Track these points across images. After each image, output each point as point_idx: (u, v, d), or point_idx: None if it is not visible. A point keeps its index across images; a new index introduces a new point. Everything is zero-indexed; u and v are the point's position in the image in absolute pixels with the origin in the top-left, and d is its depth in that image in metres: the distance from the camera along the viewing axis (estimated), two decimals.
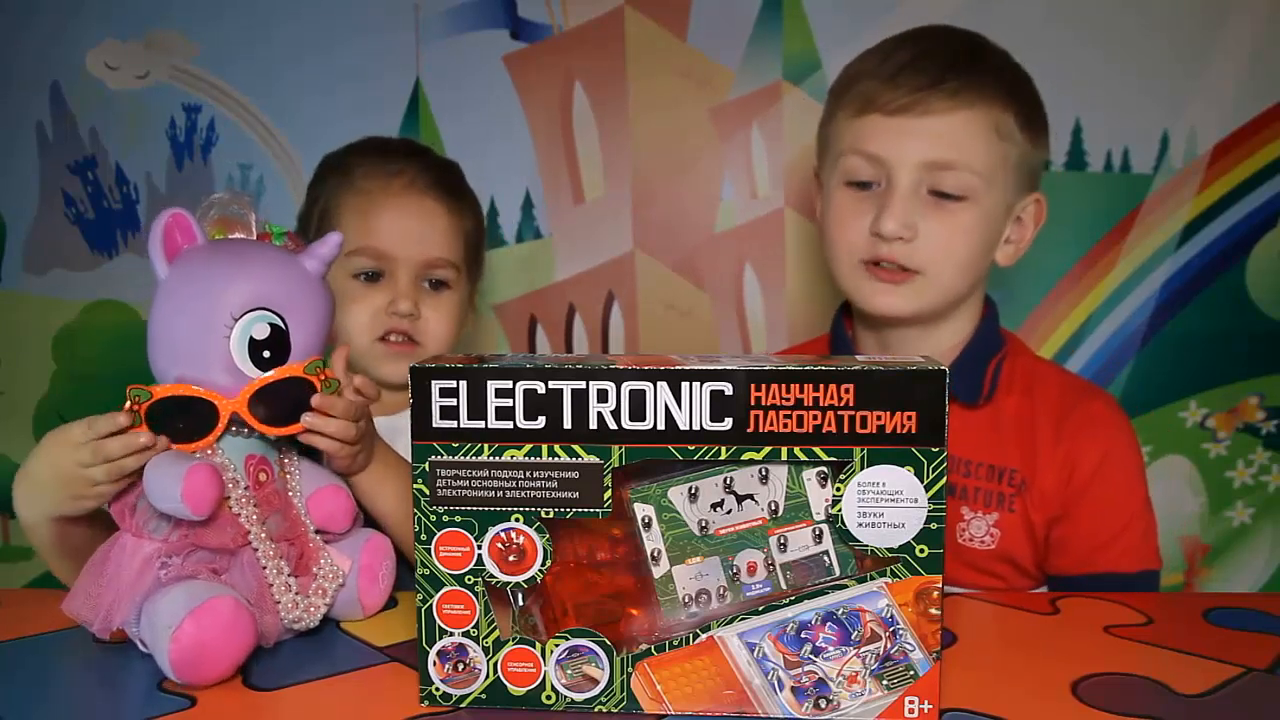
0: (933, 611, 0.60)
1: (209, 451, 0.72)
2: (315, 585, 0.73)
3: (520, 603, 0.64)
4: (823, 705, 0.60)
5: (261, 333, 0.72)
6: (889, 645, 0.60)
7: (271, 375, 0.72)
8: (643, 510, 0.63)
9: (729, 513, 0.63)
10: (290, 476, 0.76)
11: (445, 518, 0.61)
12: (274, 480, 0.75)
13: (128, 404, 0.69)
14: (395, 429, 0.89)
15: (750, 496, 0.63)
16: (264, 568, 0.71)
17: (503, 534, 0.61)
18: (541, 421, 0.60)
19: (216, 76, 1.55)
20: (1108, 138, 1.42)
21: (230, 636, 0.66)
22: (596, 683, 0.61)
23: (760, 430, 0.59)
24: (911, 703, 0.60)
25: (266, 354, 0.72)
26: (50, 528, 0.79)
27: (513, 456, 0.60)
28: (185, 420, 0.71)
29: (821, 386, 0.58)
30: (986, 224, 1.02)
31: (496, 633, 0.62)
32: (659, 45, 1.49)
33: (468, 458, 0.61)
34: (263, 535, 0.71)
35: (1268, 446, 1.47)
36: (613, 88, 1.49)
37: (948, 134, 0.99)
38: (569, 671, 0.62)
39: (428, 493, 0.61)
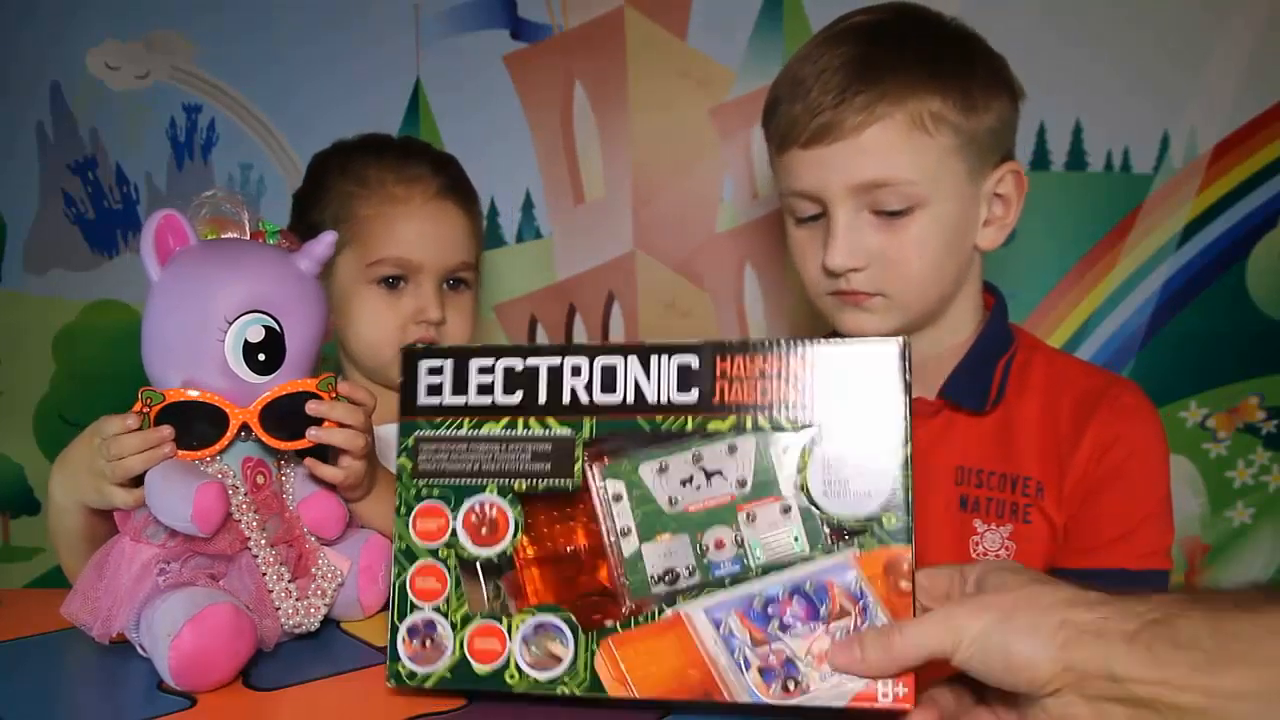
0: (903, 585, 0.57)
1: (209, 460, 0.71)
2: (314, 586, 0.73)
3: (486, 583, 0.64)
4: (791, 687, 0.57)
5: (256, 335, 0.71)
6: (859, 621, 0.57)
7: (284, 388, 0.71)
8: (613, 486, 0.62)
9: (698, 489, 0.62)
10: (286, 479, 0.76)
11: (424, 491, 0.63)
12: (271, 483, 0.75)
13: (139, 405, 0.69)
14: (385, 441, 0.89)
15: (719, 472, 0.62)
16: (264, 574, 0.71)
17: (477, 506, 0.62)
18: (519, 396, 0.63)
19: (216, 76, 1.55)
20: (1108, 138, 1.40)
21: (229, 643, 0.65)
22: (560, 661, 0.60)
23: (726, 401, 0.60)
24: (885, 686, 0.55)
25: (261, 357, 0.72)
26: (80, 514, 0.80)
27: (490, 430, 0.63)
28: (195, 427, 0.70)
29: (784, 357, 0.59)
30: (943, 225, 0.93)
31: (465, 608, 0.62)
32: (659, 45, 1.49)
33: (449, 431, 0.63)
34: (262, 542, 0.71)
35: (1268, 446, 1.46)
36: (613, 88, 1.48)
37: (870, 150, 0.90)
38: (533, 649, 0.61)
39: (410, 467, 0.63)
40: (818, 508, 0.59)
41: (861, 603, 0.57)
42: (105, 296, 1.57)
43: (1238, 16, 1.39)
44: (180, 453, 0.71)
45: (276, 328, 0.72)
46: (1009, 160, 0.98)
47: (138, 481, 0.71)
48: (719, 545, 0.61)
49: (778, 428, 0.60)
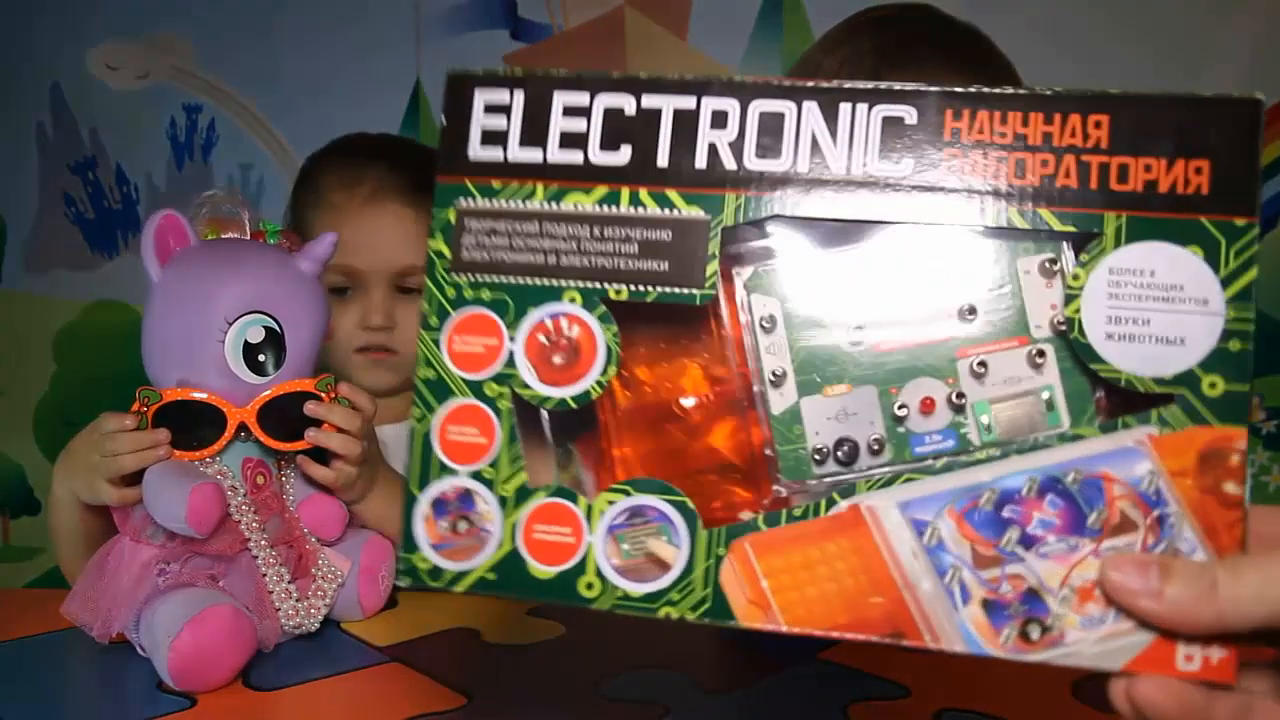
0: (1229, 489, 0.35)
1: (208, 460, 0.68)
2: (314, 587, 0.72)
3: (554, 440, 0.43)
4: (1034, 635, 0.36)
5: (256, 336, 0.67)
6: (1150, 539, 0.36)
7: (282, 388, 0.68)
8: (763, 305, 0.41)
9: (898, 317, 0.40)
10: (286, 479, 0.76)
11: (469, 293, 0.41)
12: (271, 483, 0.74)
13: (136, 405, 0.69)
14: (382, 443, 0.88)
15: (933, 291, 0.40)
16: (263, 575, 0.71)
17: (549, 320, 0.41)
18: (625, 154, 0.41)
19: (216, 77, 1.53)
20: None
21: (229, 644, 0.62)
22: (668, 568, 0.39)
23: (958, 180, 0.38)
24: (1191, 647, 0.34)
25: (261, 358, 0.72)
26: (76, 509, 0.79)
27: (578, 205, 0.40)
28: (192, 427, 0.67)
29: (1057, 118, 0.38)
30: None
31: (523, 477, 0.40)
32: (659, 45, 1.47)
33: (513, 203, 0.41)
34: (262, 542, 0.70)
35: (1268, 446, 1.44)
36: None
37: None
38: (626, 546, 0.40)
39: (448, 255, 0.41)
40: (1094, 356, 0.37)
41: (1158, 512, 0.36)
42: (105, 296, 1.55)
43: (1238, 16, 1.39)
44: (178, 453, 0.70)
45: (276, 328, 0.70)
46: None
47: (131, 481, 0.71)
48: (926, 407, 0.40)
49: (1037, 226, 0.37)
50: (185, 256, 0.72)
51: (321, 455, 0.75)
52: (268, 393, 0.70)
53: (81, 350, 1.54)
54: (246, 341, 0.71)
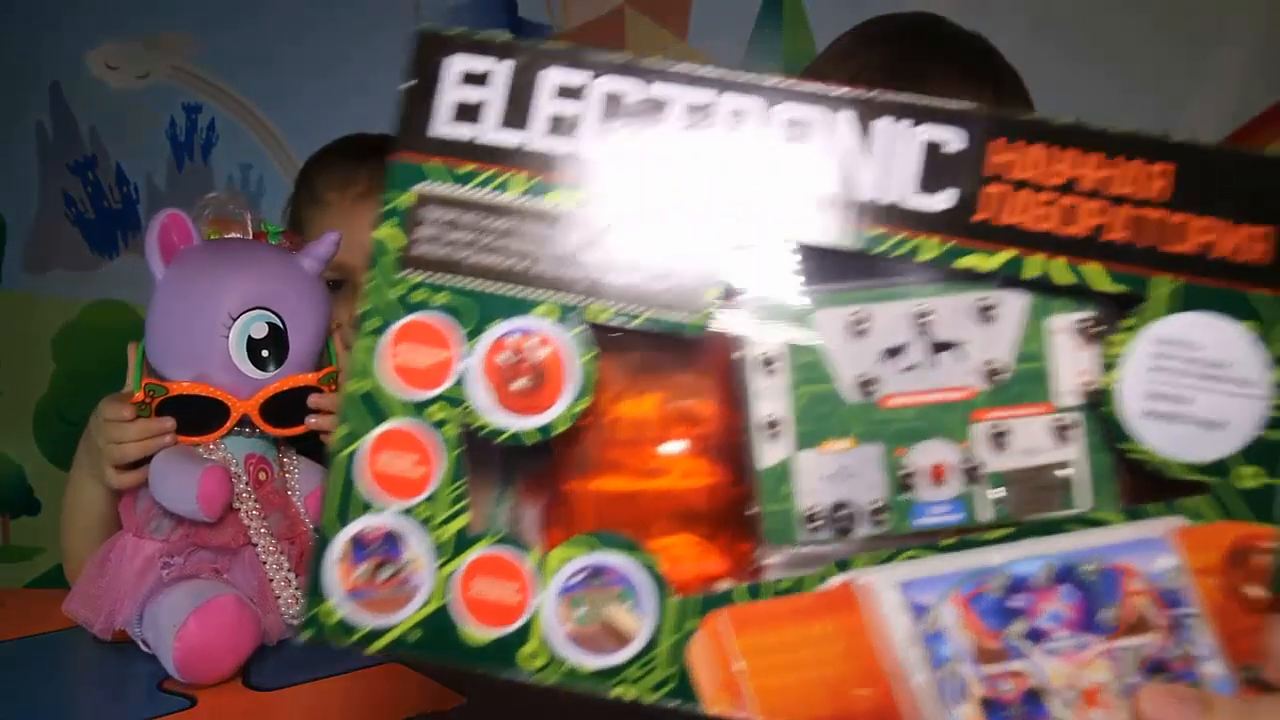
0: (1253, 593, 0.32)
1: (211, 447, 0.70)
2: None
3: (505, 478, 0.37)
4: None
5: (260, 332, 0.68)
6: (1167, 643, 0.33)
7: (286, 383, 0.69)
8: (764, 340, 0.35)
9: (911, 369, 0.35)
10: (290, 475, 0.76)
11: (420, 295, 0.34)
12: (274, 479, 0.74)
13: (140, 395, 0.69)
14: None
15: (955, 346, 0.35)
16: (265, 564, 0.71)
17: (513, 336, 0.34)
18: None
19: (216, 76, 1.53)
20: None
21: (234, 635, 0.63)
22: (627, 641, 0.33)
23: (998, 221, 0.33)
24: None
25: (265, 353, 0.70)
26: (98, 488, 0.80)
27: (562, 204, 0.34)
28: (197, 418, 0.69)
29: (1117, 162, 0.33)
30: None
31: (465, 520, 0.33)
32: (659, 45, 1.46)
33: (483, 193, 0.34)
34: (264, 533, 0.71)
35: None
36: None
37: None
38: (580, 611, 0.33)
39: (399, 247, 0.34)
40: (1125, 434, 0.33)
41: (1177, 613, 0.33)
42: (105, 296, 1.55)
43: (1238, 16, 1.39)
44: (183, 438, 0.71)
45: (280, 324, 0.71)
46: None
47: (133, 467, 0.72)
48: (936, 475, 0.35)
49: (1082, 283, 0.33)
50: (189, 255, 0.72)
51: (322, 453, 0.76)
52: (271, 385, 0.71)
53: (81, 350, 1.54)
54: (250, 337, 0.71)
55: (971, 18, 1.04)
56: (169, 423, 0.69)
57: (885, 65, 0.94)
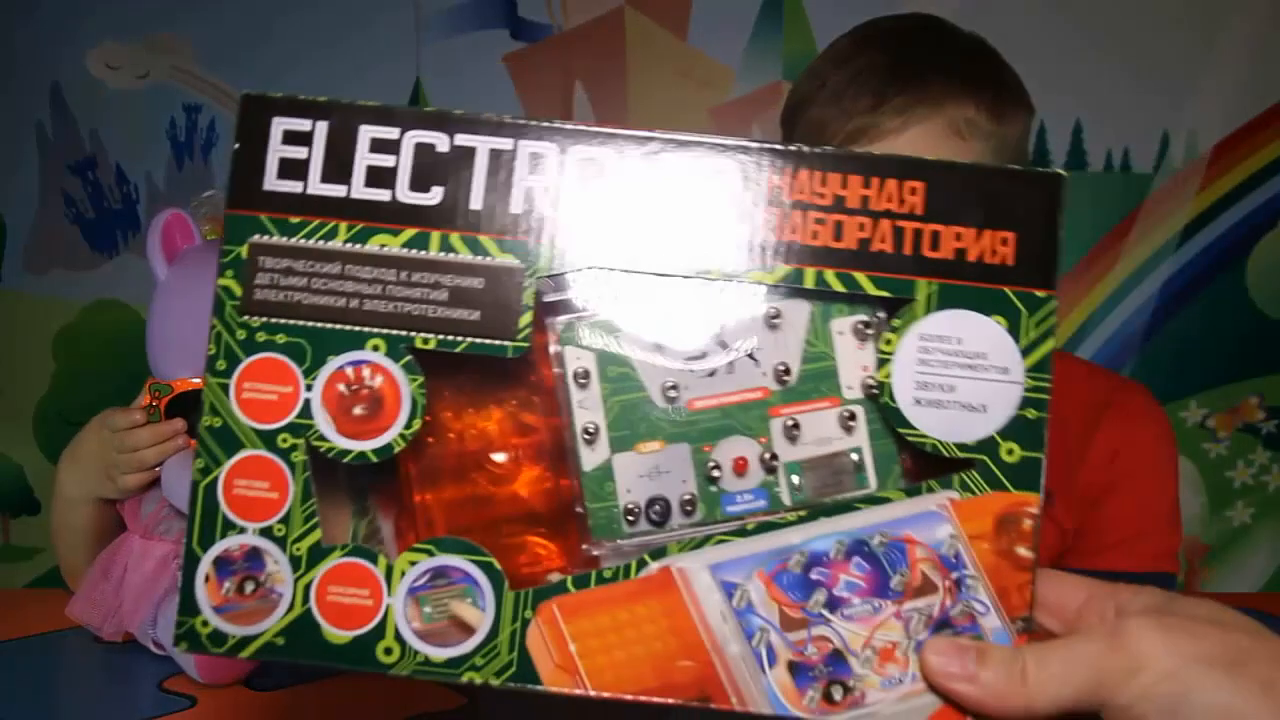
0: (1022, 552, 0.37)
1: None
2: None
3: (353, 491, 0.41)
4: (836, 696, 0.36)
5: None
6: (948, 602, 0.38)
7: None
8: (577, 359, 0.39)
9: (712, 374, 0.40)
10: None
11: (261, 336, 0.38)
12: None
13: (146, 398, 0.69)
14: None
15: (749, 353, 0.40)
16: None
17: (350, 369, 0.38)
18: (437, 195, 0.38)
19: (216, 77, 1.53)
20: (1108, 138, 1.37)
21: None
22: (472, 632, 0.37)
23: (780, 239, 0.37)
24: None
25: None
26: (91, 507, 0.79)
27: (384, 247, 0.38)
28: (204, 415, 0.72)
29: (875, 182, 0.38)
30: None
31: (317, 535, 0.38)
32: (659, 45, 1.47)
33: (313, 242, 0.38)
34: None
35: (1268, 446, 1.43)
36: (612, 88, 1.44)
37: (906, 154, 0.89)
38: (428, 609, 0.38)
39: (239, 295, 0.38)
40: (902, 421, 0.38)
41: (956, 575, 0.38)
42: (105, 296, 1.55)
43: (1238, 16, 1.39)
44: (193, 441, 0.72)
45: None
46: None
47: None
48: (739, 468, 0.40)
49: (854, 289, 0.38)
50: (193, 254, 0.72)
51: None
52: None
53: (81, 350, 1.53)
54: None
55: (972, 18, 1.03)
56: (180, 424, 0.69)
57: (885, 67, 0.93)
